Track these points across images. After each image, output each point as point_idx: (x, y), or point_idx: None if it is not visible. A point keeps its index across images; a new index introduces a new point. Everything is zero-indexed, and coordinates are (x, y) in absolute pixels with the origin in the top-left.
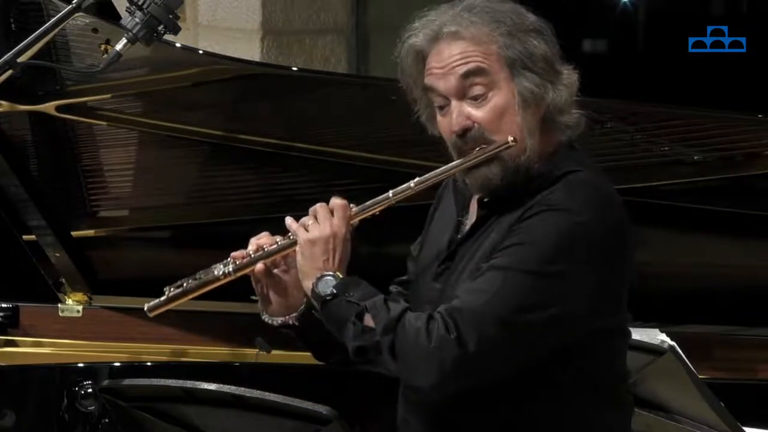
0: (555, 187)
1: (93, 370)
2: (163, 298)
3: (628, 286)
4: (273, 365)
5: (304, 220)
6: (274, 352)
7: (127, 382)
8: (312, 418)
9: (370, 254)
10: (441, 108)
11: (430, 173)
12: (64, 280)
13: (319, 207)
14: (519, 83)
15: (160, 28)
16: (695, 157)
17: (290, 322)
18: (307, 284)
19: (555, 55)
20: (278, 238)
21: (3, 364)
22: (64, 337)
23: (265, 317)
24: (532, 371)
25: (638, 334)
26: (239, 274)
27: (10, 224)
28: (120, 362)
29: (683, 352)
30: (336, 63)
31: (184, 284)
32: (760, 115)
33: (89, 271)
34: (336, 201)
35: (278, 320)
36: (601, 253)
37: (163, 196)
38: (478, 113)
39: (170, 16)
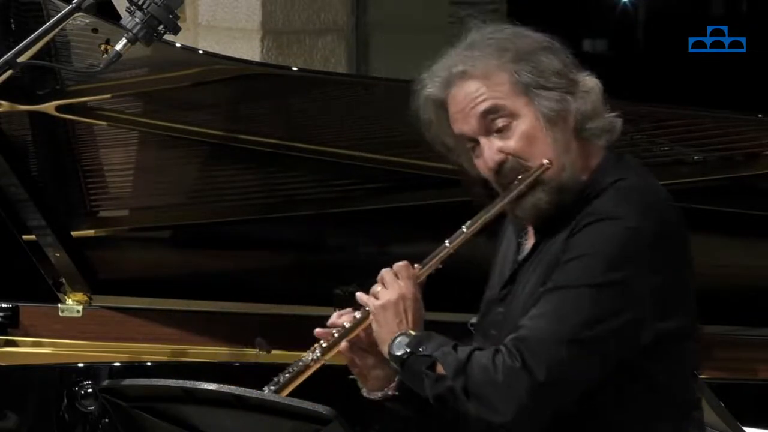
0: (602, 197)
1: (93, 370)
2: None
3: (691, 288)
4: (273, 365)
5: (373, 288)
6: (274, 352)
7: (127, 382)
8: (312, 418)
9: (373, 253)
10: (473, 150)
11: (479, 214)
12: (64, 280)
13: (384, 272)
14: (539, 104)
15: (160, 28)
16: (695, 157)
17: (390, 393)
18: (385, 349)
19: (568, 65)
20: (357, 314)
21: (3, 364)
22: (64, 337)
23: (366, 393)
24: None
25: None
26: (327, 356)
27: (10, 224)
28: (120, 362)
29: None
30: (336, 63)
31: (280, 379)
32: (760, 115)
33: (89, 271)
34: (399, 263)
35: (378, 394)
36: (653, 255)
37: (163, 196)
38: (507, 144)
39: (170, 16)
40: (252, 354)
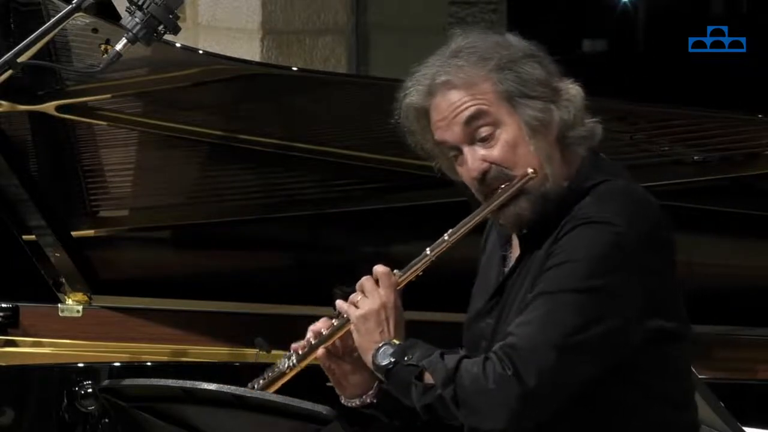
0: (585, 200)
1: (93, 370)
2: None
3: (678, 291)
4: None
5: (352, 297)
6: (274, 352)
7: (127, 382)
8: (312, 418)
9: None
10: (456, 158)
11: (461, 222)
12: (64, 280)
13: (364, 281)
14: (522, 113)
15: (160, 28)
16: (695, 157)
17: (368, 400)
18: (368, 359)
19: (551, 73)
20: (334, 321)
21: (3, 364)
22: (64, 337)
23: (344, 401)
24: (589, 387)
25: None
26: (303, 364)
27: (10, 224)
28: (120, 362)
29: None
30: (336, 63)
31: (255, 386)
32: (760, 115)
33: (89, 271)
34: (379, 270)
35: (356, 402)
36: (641, 257)
37: (163, 196)
38: (491, 153)
39: (170, 16)
40: (252, 354)
